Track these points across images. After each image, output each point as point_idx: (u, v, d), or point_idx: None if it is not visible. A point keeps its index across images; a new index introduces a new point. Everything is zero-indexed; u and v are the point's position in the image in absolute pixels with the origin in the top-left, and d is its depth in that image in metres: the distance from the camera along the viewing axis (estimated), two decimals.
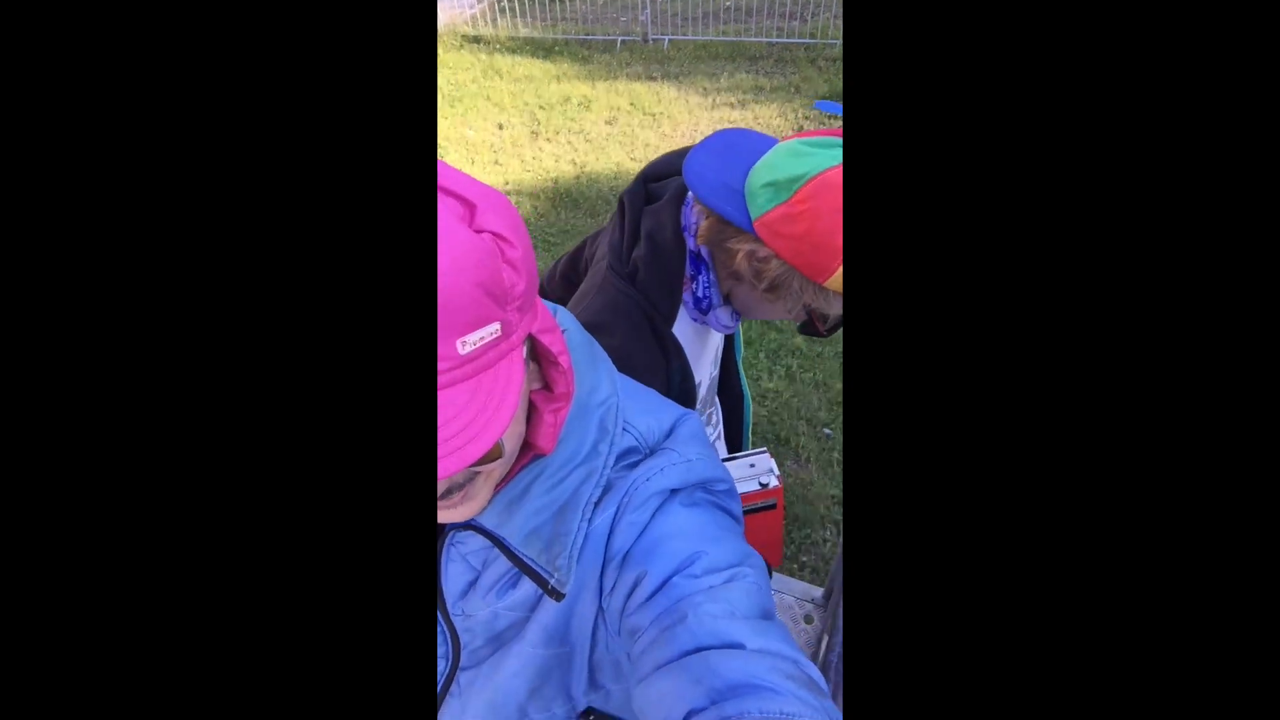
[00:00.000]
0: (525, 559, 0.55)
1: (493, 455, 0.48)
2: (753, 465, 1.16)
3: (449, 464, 0.40)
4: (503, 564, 0.58)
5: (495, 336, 0.44)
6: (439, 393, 0.41)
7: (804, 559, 2.27)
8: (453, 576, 0.60)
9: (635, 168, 4.34)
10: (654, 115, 4.87)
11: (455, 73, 5.56)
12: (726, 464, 1.15)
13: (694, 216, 0.85)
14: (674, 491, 0.57)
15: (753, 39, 5.63)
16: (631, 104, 5.01)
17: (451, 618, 0.62)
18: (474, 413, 0.42)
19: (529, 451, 0.55)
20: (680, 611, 0.49)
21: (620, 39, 5.87)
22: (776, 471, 1.14)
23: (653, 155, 4.31)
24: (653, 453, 0.60)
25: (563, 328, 0.60)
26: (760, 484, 1.15)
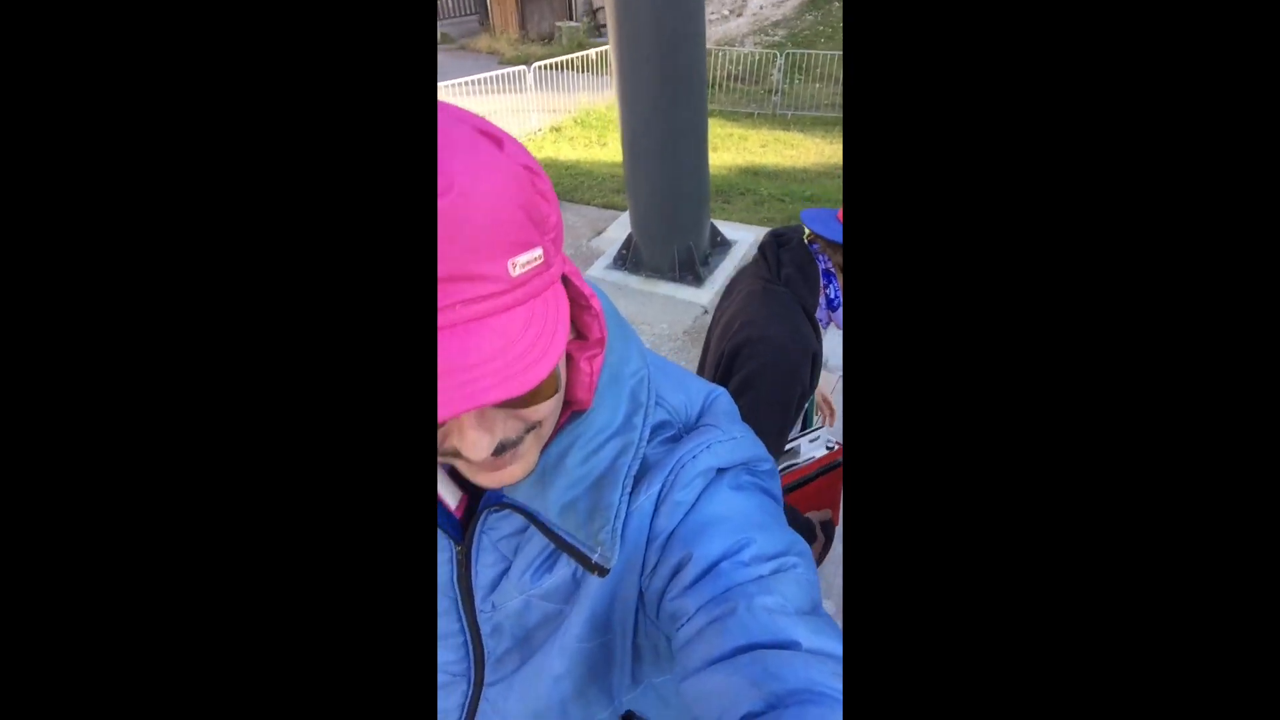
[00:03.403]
0: (563, 534, 0.53)
1: (548, 390, 0.47)
2: (817, 436, 1.39)
3: (516, 385, 0.39)
4: (536, 546, 0.56)
5: (540, 263, 0.43)
6: (494, 318, 0.40)
7: None
8: (484, 567, 0.58)
9: (789, 164, 6.69)
10: (792, 146, 7.30)
11: None
12: (798, 438, 1.37)
13: (826, 256, 1.24)
14: (720, 471, 0.56)
15: None
16: (776, 139, 7.49)
17: (478, 614, 0.59)
18: (534, 336, 0.41)
19: (567, 409, 0.54)
20: (730, 603, 0.48)
21: (757, 111, 8.52)
22: (838, 437, 1.33)
23: (799, 164, 6.73)
24: (689, 429, 0.59)
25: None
26: (828, 446, 1.37)
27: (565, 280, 0.49)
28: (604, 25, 13.46)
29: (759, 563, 0.50)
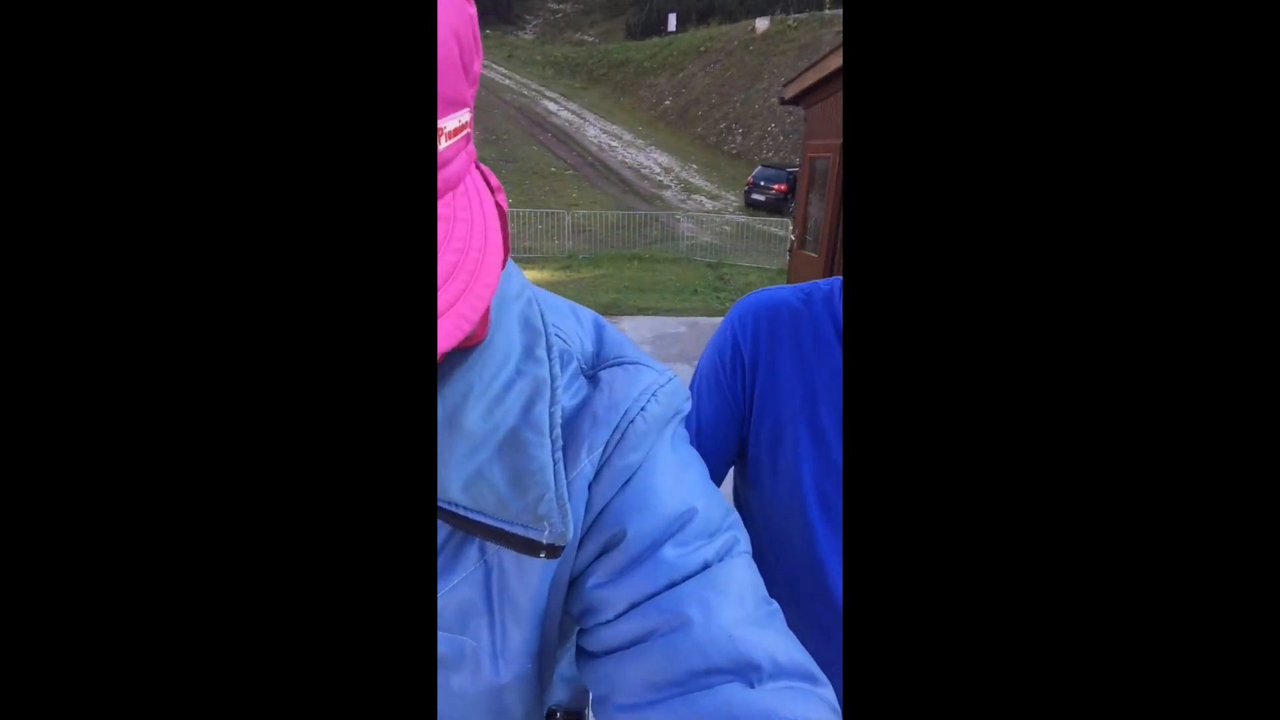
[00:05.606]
0: (479, 519, 0.40)
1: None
2: None
3: (451, 328, 0.30)
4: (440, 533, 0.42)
5: (467, 131, 0.32)
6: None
7: None
8: None
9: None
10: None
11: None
12: None
13: None
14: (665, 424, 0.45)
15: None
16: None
17: None
18: (459, 245, 0.31)
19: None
20: (679, 612, 0.39)
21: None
22: None
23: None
24: (595, 364, 0.46)
25: None
26: None
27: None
28: None
29: (702, 540, 0.42)
